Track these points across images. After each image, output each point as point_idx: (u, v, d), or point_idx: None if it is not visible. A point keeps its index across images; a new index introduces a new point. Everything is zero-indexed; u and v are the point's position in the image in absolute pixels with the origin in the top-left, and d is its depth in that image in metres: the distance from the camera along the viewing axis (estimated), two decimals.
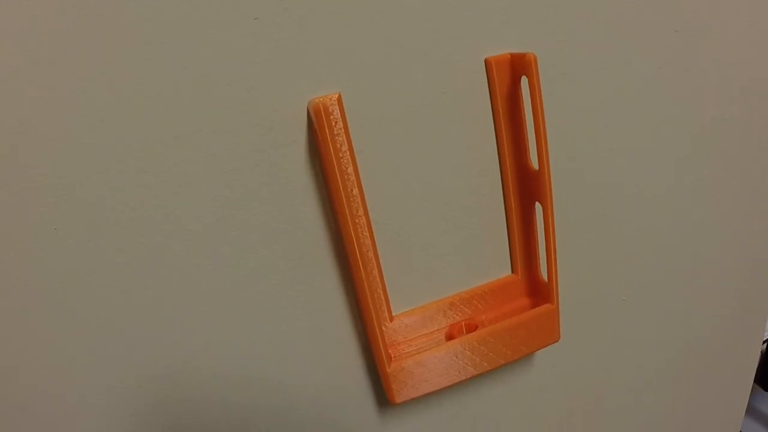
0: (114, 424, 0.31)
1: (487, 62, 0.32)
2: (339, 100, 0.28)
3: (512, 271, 0.37)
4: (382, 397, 0.37)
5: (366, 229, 0.31)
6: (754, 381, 1.08)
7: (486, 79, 0.32)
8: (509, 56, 0.32)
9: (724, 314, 0.50)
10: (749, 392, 0.61)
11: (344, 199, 0.28)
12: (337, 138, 0.28)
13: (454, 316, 0.36)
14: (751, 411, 1.17)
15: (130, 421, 0.32)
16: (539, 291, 0.36)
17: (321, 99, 0.27)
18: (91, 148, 0.26)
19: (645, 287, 0.44)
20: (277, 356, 0.33)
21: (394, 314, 0.35)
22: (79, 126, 0.26)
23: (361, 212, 0.31)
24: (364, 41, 0.29)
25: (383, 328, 0.34)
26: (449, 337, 0.35)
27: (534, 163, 0.33)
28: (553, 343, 0.36)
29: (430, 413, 0.40)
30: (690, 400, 0.54)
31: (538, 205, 0.34)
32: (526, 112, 0.33)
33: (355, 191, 0.30)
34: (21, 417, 0.30)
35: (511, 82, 0.32)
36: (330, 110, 0.27)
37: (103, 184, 0.27)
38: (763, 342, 1.09)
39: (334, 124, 0.28)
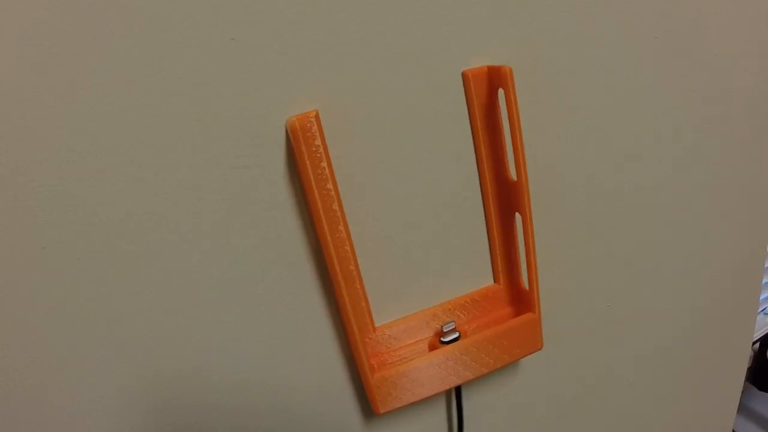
0: (109, 428, 0.32)
1: (464, 75, 0.32)
2: (317, 117, 0.28)
3: (494, 281, 0.38)
4: (367, 406, 0.37)
5: (347, 243, 0.31)
6: (748, 380, 1.09)
7: (464, 92, 0.33)
8: (486, 69, 0.32)
9: (712, 315, 0.50)
10: (740, 391, 0.61)
11: (323, 214, 0.29)
12: (315, 155, 0.28)
13: (437, 326, 0.36)
14: (745, 410, 1.17)
15: (127, 426, 0.32)
16: (521, 300, 0.37)
17: (298, 117, 0.28)
18: (79, 159, 0.27)
19: (629, 293, 0.44)
20: (263, 366, 0.34)
21: (377, 325, 0.35)
22: (69, 138, 0.26)
23: (341, 226, 0.31)
24: (343, 57, 0.29)
25: (366, 340, 0.34)
26: (432, 347, 0.35)
27: (512, 173, 0.33)
28: (536, 351, 0.36)
29: (413, 422, 0.40)
30: (681, 400, 0.54)
31: (518, 215, 0.35)
32: (503, 124, 0.33)
33: (335, 206, 0.30)
34: (27, 422, 0.30)
35: (488, 94, 0.33)
36: (307, 127, 0.28)
37: (91, 192, 0.27)
38: (755, 342, 1.09)
39: (312, 140, 0.28)
